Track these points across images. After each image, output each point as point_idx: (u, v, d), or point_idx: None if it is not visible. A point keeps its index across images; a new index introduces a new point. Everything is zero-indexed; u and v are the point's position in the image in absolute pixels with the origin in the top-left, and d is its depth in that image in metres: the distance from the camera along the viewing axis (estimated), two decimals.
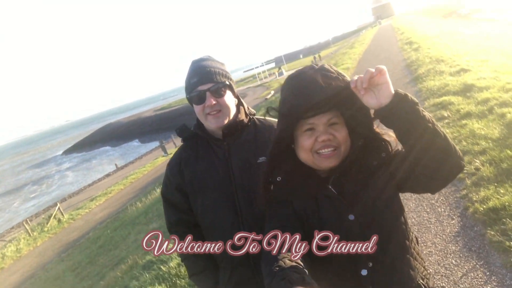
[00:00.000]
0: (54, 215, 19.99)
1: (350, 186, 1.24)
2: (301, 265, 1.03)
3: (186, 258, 1.81)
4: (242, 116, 1.72)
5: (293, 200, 1.29)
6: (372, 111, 1.20)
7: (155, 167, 23.38)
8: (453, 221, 3.34)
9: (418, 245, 1.35)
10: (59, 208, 20.63)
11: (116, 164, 33.25)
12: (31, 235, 18.72)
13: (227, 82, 1.64)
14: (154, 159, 26.93)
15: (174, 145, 28.27)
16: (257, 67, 52.04)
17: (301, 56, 79.27)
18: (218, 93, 1.60)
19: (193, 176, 1.71)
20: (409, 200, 3.88)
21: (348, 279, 1.22)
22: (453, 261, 2.85)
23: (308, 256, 1.15)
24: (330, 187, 1.25)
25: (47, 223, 19.57)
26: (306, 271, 1.00)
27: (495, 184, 3.48)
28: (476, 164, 3.96)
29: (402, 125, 1.10)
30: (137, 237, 9.14)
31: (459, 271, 2.75)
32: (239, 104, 1.75)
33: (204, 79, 1.59)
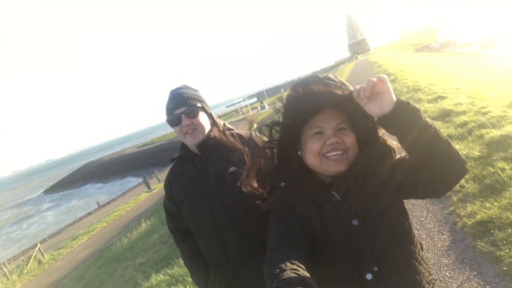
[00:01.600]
0: (34, 256, 19.20)
1: (354, 192, 1.26)
2: (302, 267, 1.04)
3: (185, 260, 2.16)
4: (215, 133, 1.94)
5: (296, 206, 1.30)
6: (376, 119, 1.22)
7: (138, 203, 22.95)
8: (444, 236, 3.42)
9: (422, 250, 1.35)
10: (39, 248, 19.87)
11: (98, 202, 32.49)
12: (10, 278, 17.85)
13: (199, 105, 1.92)
14: (137, 195, 26.47)
15: (158, 180, 27.94)
16: (239, 101, 52.59)
17: (282, 91, 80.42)
18: (191, 114, 1.88)
19: (178, 188, 2.00)
20: None
21: (353, 283, 1.22)
22: (447, 274, 2.91)
23: (309, 261, 1.15)
24: (334, 192, 1.27)
25: (26, 265, 18.71)
26: (307, 273, 1.01)
27: (481, 199, 3.60)
28: (461, 182, 4.09)
29: (404, 132, 1.12)
30: (123, 272, 8.88)
31: (454, 282, 2.81)
32: (213, 124, 2.01)
33: (179, 104, 1.88)
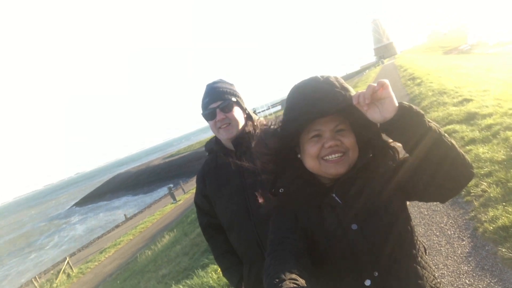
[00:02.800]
0: (63, 270, 19.65)
1: (355, 195, 1.22)
2: (301, 276, 1.01)
3: (217, 257, 2.13)
4: (250, 128, 1.93)
5: (296, 209, 1.27)
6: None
7: (164, 215, 23.21)
8: (464, 242, 3.27)
9: (426, 254, 1.31)
10: (68, 262, 20.33)
11: (125, 215, 33.05)
12: None
13: (234, 99, 1.90)
14: (163, 207, 26.78)
15: (183, 191, 28.20)
16: (263, 110, 52.78)
17: None
18: (226, 109, 1.86)
19: (212, 183, 1.98)
20: (418, 226, 3.81)
21: None
22: (467, 281, 2.78)
23: (310, 265, 1.13)
24: (334, 195, 1.23)
25: (56, 279, 19.17)
26: (306, 283, 0.99)
27: (503, 203, 3.43)
28: (483, 186, 3.92)
29: (408, 137, 1.09)
30: (146, 284, 8.95)
31: None
32: (248, 118, 1.98)
33: (214, 98, 1.87)
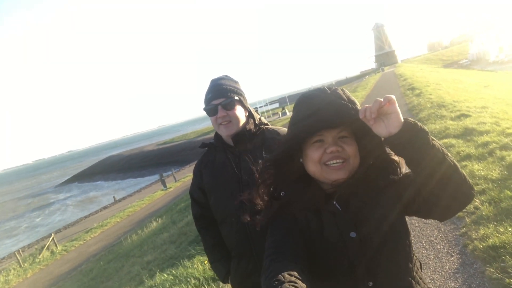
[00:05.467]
0: (47, 246, 19.58)
1: (355, 203, 1.23)
2: (300, 279, 1.01)
3: (207, 248, 2.17)
4: (250, 126, 1.97)
5: (296, 214, 1.28)
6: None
7: (153, 200, 23.19)
8: (452, 258, 3.30)
9: (421, 270, 1.32)
10: (53, 238, 20.26)
11: (114, 197, 32.98)
12: (22, 266, 18.26)
13: (237, 97, 1.92)
14: (153, 192, 26.74)
15: (174, 179, 28.16)
16: (261, 106, 52.75)
17: None
18: (228, 106, 1.88)
19: (209, 177, 2.02)
20: None
21: None
22: None
23: (307, 271, 1.13)
24: (335, 203, 1.24)
25: (39, 254, 19.12)
26: (305, 286, 0.99)
27: (495, 222, 3.46)
28: (476, 203, 3.95)
29: (411, 153, 1.10)
30: (130, 269, 8.95)
31: None
32: (249, 116, 2.00)
33: (217, 95, 1.89)
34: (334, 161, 1.20)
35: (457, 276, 3.03)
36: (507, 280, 2.67)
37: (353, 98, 1.25)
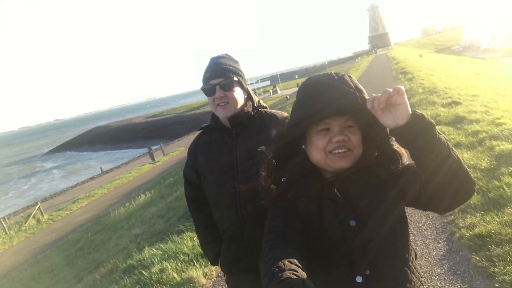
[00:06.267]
0: (34, 215, 19.47)
1: (355, 192, 1.23)
2: (300, 267, 1.02)
3: (198, 229, 2.16)
4: (248, 109, 1.92)
5: (296, 201, 1.28)
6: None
7: (141, 173, 23.12)
8: (439, 245, 3.39)
9: (416, 259, 1.34)
10: (39, 207, 20.16)
11: (101, 168, 32.79)
12: (8, 233, 18.22)
13: (236, 78, 1.85)
14: (141, 165, 26.64)
15: (162, 153, 28.07)
16: (252, 83, 52.40)
17: (296, 77, 79.97)
18: (227, 87, 1.82)
19: (204, 158, 1.98)
20: None
21: (343, 284, 1.21)
22: (438, 283, 2.88)
23: (306, 258, 1.14)
24: (335, 190, 1.24)
25: (25, 222, 19.03)
26: (306, 274, 0.99)
27: (482, 212, 3.55)
28: None
29: (416, 146, 1.09)
30: (118, 241, 8.96)
31: None
32: (248, 98, 1.96)
33: (216, 74, 1.83)
34: (339, 150, 1.20)
35: (443, 262, 3.12)
36: (491, 269, 2.76)
37: (360, 86, 1.23)
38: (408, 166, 1.24)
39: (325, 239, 1.22)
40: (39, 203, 21.03)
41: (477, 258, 2.95)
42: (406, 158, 1.26)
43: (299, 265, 1.03)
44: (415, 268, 1.29)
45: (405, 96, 1.08)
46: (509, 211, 3.35)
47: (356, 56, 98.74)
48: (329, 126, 1.21)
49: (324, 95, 1.19)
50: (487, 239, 3.10)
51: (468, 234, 3.29)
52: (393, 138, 1.23)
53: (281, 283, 0.93)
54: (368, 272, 1.19)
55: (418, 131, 1.08)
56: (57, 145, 79.48)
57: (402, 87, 1.06)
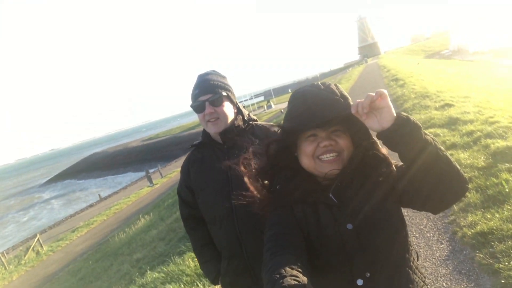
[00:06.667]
0: (33, 247, 19.22)
1: (351, 195, 1.24)
2: (301, 272, 1.02)
3: (196, 249, 2.11)
4: (239, 122, 1.92)
5: (293, 206, 1.28)
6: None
7: (139, 197, 23.00)
8: (442, 245, 3.36)
9: (418, 260, 1.34)
10: (38, 239, 19.91)
11: (99, 195, 32.61)
12: (7, 268, 17.90)
13: (225, 93, 1.85)
14: (139, 189, 26.51)
15: (160, 175, 27.98)
16: (246, 99, 52.67)
17: (289, 91, 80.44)
18: (216, 102, 1.82)
19: (197, 175, 1.96)
20: None
21: (344, 287, 1.21)
22: (444, 284, 2.85)
23: (307, 263, 1.14)
24: (330, 195, 1.25)
25: (24, 256, 18.76)
26: (307, 279, 0.99)
27: (482, 209, 3.53)
28: None
29: (403, 147, 1.11)
30: (119, 267, 8.85)
31: None
32: (238, 112, 1.95)
33: (204, 91, 1.82)
34: (328, 155, 1.23)
35: (448, 262, 3.09)
36: (496, 265, 2.73)
37: (345, 93, 1.26)
38: (399, 167, 1.26)
39: (324, 244, 1.22)
40: (38, 235, 20.81)
41: (481, 255, 2.92)
42: (390, 161, 1.27)
43: (300, 270, 1.03)
44: (417, 268, 1.29)
45: (388, 99, 1.10)
46: (509, 207, 3.33)
47: (347, 66, 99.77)
48: (316, 133, 1.24)
49: (310, 105, 1.22)
50: (490, 236, 3.08)
51: (470, 233, 3.27)
52: (381, 142, 1.23)
53: None
54: (368, 274, 1.19)
55: (404, 133, 1.10)
56: (54, 174, 79.13)
57: (385, 91, 1.09)
